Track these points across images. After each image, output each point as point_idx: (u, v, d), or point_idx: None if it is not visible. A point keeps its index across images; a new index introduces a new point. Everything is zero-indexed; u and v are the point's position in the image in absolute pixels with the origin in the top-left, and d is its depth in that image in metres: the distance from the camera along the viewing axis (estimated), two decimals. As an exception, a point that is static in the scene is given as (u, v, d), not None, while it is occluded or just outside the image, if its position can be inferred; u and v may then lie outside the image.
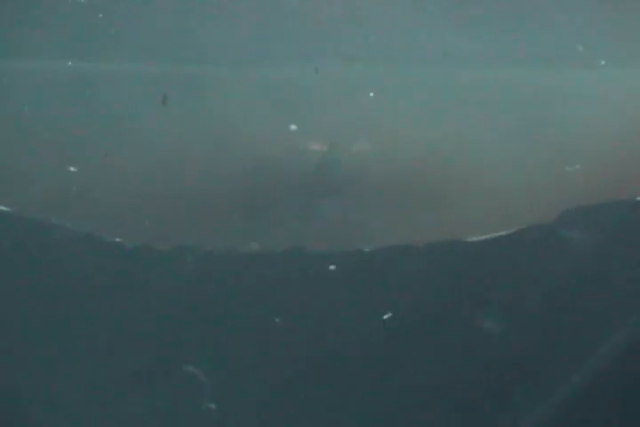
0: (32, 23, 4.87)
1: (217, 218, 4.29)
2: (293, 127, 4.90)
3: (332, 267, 3.68)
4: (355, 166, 4.55)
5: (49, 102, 4.84)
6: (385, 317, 3.59)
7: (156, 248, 3.89)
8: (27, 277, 3.85)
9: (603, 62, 4.88)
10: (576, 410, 3.21)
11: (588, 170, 4.61)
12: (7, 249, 3.91)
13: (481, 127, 5.03)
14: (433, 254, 3.70)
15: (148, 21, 4.96)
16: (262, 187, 4.59)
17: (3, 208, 4.13)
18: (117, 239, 3.94)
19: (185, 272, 3.83)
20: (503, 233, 3.65)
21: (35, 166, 4.61)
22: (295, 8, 5.27)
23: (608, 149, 4.58)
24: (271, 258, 3.87)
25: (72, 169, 4.65)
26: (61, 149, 4.83)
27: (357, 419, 3.57)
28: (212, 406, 3.62)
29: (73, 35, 5.05)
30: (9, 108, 4.84)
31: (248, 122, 5.23)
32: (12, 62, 5.03)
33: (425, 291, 3.63)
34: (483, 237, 3.68)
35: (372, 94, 5.21)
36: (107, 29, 4.96)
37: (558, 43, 5.01)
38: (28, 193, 4.31)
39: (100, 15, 4.67)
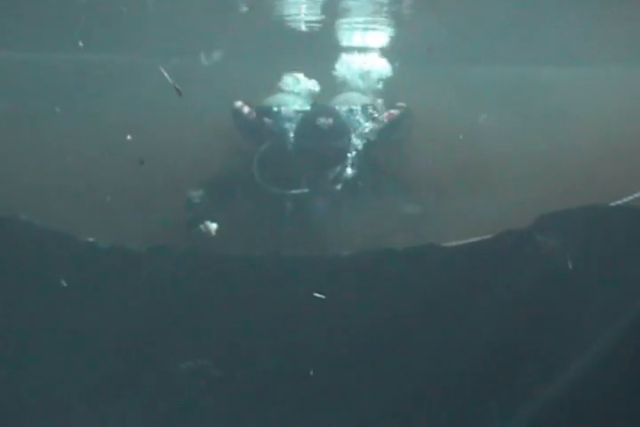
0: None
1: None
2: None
3: (313, 268, 3.67)
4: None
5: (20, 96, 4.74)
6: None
7: (129, 248, 3.83)
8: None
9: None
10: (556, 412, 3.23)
11: (564, 176, 4.70)
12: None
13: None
14: (412, 258, 3.72)
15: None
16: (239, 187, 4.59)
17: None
18: (90, 239, 3.87)
19: (160, 272, 3.77)
20: (480, 238, 3.68)
21: (5, 164, 4.53)
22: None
23: (584, 156, 4.68)
24: (248, 259, 3.84)
25: (45, 167, 4.60)
26: (33, 146, 4.75)
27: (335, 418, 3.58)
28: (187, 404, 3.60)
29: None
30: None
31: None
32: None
33: (403, 294, 3.63)
34: (461, 242, 3.70)
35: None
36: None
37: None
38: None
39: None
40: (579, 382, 3.19)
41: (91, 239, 3.85)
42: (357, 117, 5.00)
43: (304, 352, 3.61)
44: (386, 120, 5.09)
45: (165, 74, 4.23)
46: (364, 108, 5.08)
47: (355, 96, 5.32)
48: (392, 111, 5.12)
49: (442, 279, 3.61)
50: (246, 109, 5.00)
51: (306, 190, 4.80)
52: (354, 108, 5.06)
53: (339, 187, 4.83)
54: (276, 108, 5.00)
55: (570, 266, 3.49)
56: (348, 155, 4.81)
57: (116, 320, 3.69)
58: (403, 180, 4.99)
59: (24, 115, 4.75)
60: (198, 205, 4.63)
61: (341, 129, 4.78)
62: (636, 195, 3.74)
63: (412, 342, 3.58)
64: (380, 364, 3.60)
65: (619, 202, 3.73)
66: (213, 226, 4.46)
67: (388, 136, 5.04)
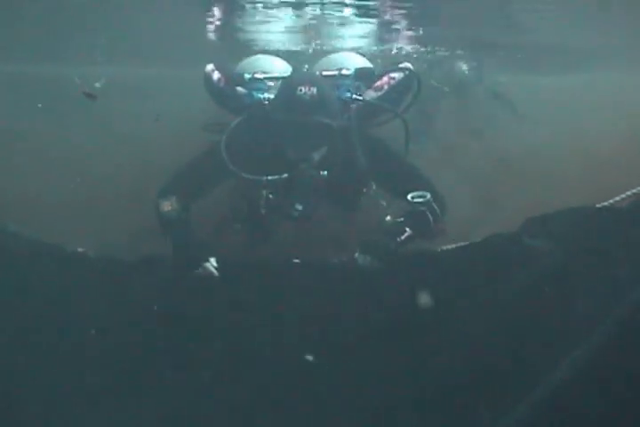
0: None
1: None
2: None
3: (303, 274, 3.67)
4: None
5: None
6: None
7: (120, 258, 3.81)
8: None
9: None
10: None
11: (551, 178, 4.73)
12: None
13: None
14: (401, 262, 3.74)
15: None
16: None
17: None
18: (80, 249, 3.84)
19: (152, 282, 3.75)
20: (470, 241, 3.70)
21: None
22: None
23: (570, 158, 4.70)
24: (241, 267, 3.83)
25: (33, 178, 4.54)
26: (19, 156, 4.70)
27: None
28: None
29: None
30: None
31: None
32: None
33: (394, 299, 3.65)
34: (452, 245, 3.72)
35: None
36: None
37: None
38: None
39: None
40: (569, 384, 3.21)
41: (80, 249, 3.83)
42: (349, 84, 4.13)
43: (300, 356, 3.61)
44: (386, 86, 4.21)
45: (79, 82, 4.10)
46: (359, 71, 4.18)
47: (347, 57, 4.43)
48: (393, 75, 4.23)
49: (430, 283, 3.62)
50: (216, 75, 4.22)
51: (285, 176, 3.99)
52: (345, 72, 4.16)
53: (325, 172, 3.99)
54: (248, 75, 4.16)
55: (559, 268, 3.52)
56: (337, 132, 3.93)
57: (108, 330, 3.68)
58: (408, 162, 4.21)
59: (9, 126, 4.71)
60: (176, 223, 3.93)
61: (328, 100, 3.88)
62: (623, 195, 3.77)
63: (403, 347, 3.59)
64: (373, 367, 3.61)
65: (605, 203, 3.76)
66: (212, 262, 3.83)
67: (388, 107, 4.17)
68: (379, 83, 4.23)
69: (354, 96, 4.09)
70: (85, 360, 3.62)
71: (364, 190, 4.26)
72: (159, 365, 3.60)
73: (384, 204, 4.26)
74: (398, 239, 3.87)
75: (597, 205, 3.74)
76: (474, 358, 3.48)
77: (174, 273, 3.81)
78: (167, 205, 3.95)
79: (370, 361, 3.60)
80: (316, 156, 3.97)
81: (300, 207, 4.07)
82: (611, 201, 3.77)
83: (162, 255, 3.81)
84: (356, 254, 3.85)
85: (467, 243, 3.70)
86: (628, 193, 3.71)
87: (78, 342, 3.64)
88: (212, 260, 3.83)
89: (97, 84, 4.23)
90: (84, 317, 3.69)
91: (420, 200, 3.87)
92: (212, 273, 3.80)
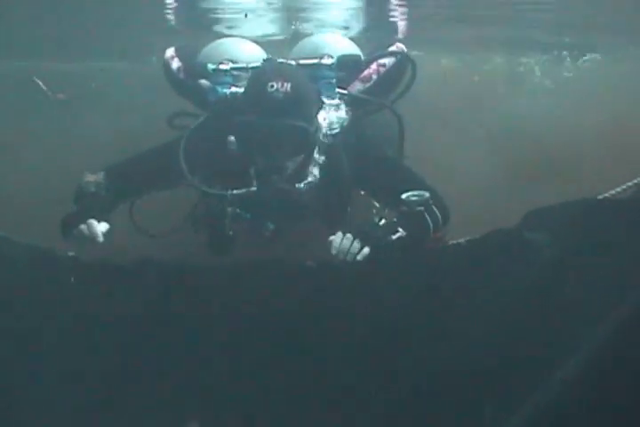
0: None
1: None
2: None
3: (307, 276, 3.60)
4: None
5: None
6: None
7: (113, 261, 3.74)
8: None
9: None
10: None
11: (550, 172, 4.69)
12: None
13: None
14: (400, 260, 3.68)
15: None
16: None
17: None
18: (72, 253, 3.77)
19: (146, 285, 3.69)
20: (471, 236, 3.65)
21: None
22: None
23: (568, 150, 4.66)
24: (234, 270, 3.76)
25: (23, 183, 4.46)
26: (6, 159, 4.65)
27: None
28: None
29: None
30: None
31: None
32: None
33: (394, 297, 3.60)
34: (453, 241, 3.66)
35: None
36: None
37: None
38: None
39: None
40: (573, 381, 3.19)
41: (71, 253, 3.76)
42: (332, 76, 3.45)
43: (300, 359, 3.56)
44: (374, 76, 3.59)
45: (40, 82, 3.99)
46: (343, 60, 3.52)
47: (330, 41, 3.71)
48: (383, 61, 3.62)
49: (431, 281, 3.57)
50: (175, 64, 3.64)
51: (253, 189, 3.41)
52: (326, 61, 3.46)
53: (302, 185, 3.48)
54: (212, 66, 3.47)
55: (560, 262, 3.48)
56: (317, 136, 3.38)
57: (103, 336, 3.62)
58: (403, 166, 3.71)
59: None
60: (91, 195, 3.45)
61: (305, 98, 3.26)
62: (623, 186, 3.73)
63: (403, 345, 3.55)
64: (372, 367, 3.57)
65: (606, 194, 3.72)
66: (102, 227, 3.36)
67: (378, 101, 3.61)
68: (366, 72, 3.61)
69: (337, 90, 3.49)
70: (82, 365, 3.57)
71: (349, 206, 3.69)
72: (157, 369, 3.55)
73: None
74: (388, 238, 3.37)
75: (599, 197, 3.71)
76: (473, 358, 3.44)
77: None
78: (90, 177, 3.52)
79: (368, 361, 3.55)
80: (291, 165, 3.42)
81: (271, 226, 3.61)
82: (612, 192, 3.73)
83: (157, 259, 3.75)
84: (331, 237, 3.31)
85: (467, 239, 3.64)
86: (629, 184, 3.67)
87: (74, 348, 3.58)
88: (104, 225, 3.41)
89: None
90: (80, 321, 3.63)
91: (417, 199, 3.37)
92: (96, 235, 3.37)
